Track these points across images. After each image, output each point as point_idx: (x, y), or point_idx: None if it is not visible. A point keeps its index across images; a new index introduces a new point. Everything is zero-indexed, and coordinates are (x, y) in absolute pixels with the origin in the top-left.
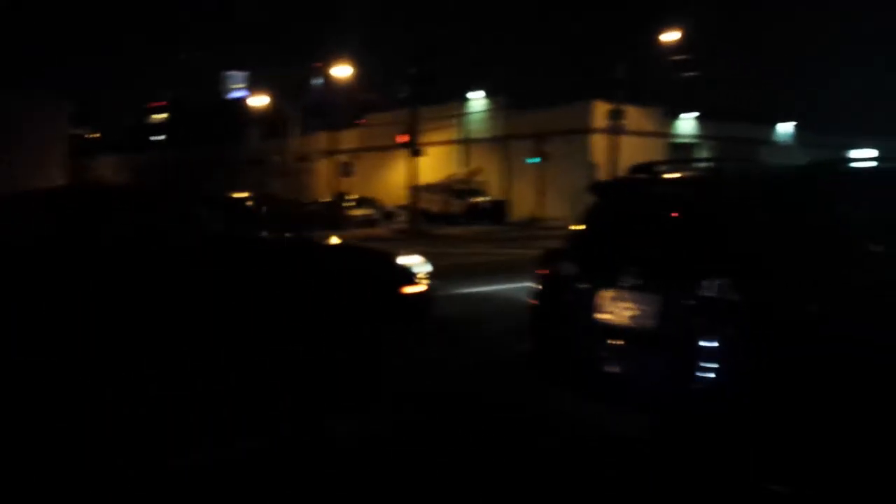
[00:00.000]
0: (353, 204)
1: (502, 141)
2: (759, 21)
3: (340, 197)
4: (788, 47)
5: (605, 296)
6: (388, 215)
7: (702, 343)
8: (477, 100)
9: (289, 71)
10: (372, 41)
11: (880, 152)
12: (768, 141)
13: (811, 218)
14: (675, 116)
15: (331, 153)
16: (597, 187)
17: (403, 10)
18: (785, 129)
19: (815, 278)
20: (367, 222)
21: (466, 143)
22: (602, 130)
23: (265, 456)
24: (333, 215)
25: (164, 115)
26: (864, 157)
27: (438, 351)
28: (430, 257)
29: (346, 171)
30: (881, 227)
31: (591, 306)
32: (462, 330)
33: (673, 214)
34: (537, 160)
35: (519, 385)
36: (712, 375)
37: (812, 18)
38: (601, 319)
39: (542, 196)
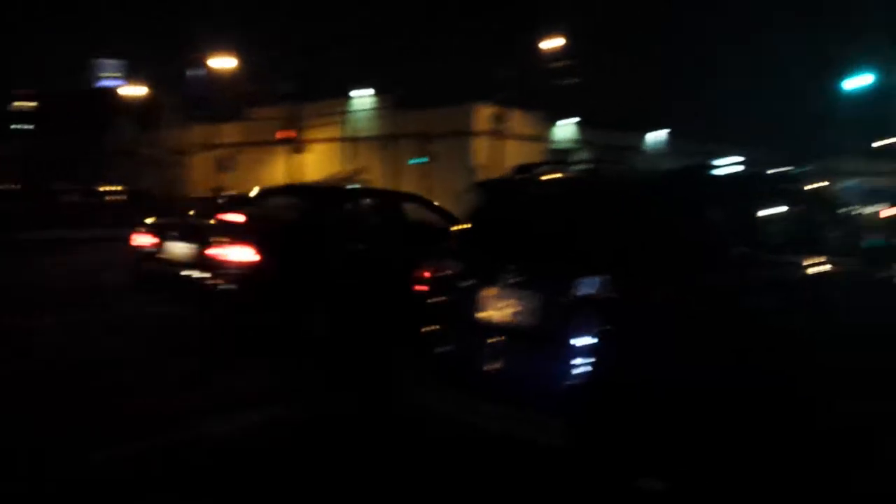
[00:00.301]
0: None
1: (388, 140)
2: (638, 31)
3: (217, 192)
4: (664, 57)
5: (489, 294)
6: None
7: (580, 339)
8: (364, 97)
9: (166, 60)
10: (256, 33)
11: (746, 159)
12: (644, 147)
13: (681, 218)
14: (555, 122)
15: (209, 147)
16: (480, 187)
17: (290, 2)
18: (659, 136)
19: (684, 275)
20: None
21: (352, 140)
22: (485, 133)
23: None
24: (208, 211)
25: (31, 104)
26: (730, 162)
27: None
28: None
29: (224, 165)
30: (744, 226)
31: (474, 305)
32: None
33: (555, 213)
34: (423, 160)
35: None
36: (591, 371)
37: (688, 31)
38: (485, 318)
39: (427, 196)
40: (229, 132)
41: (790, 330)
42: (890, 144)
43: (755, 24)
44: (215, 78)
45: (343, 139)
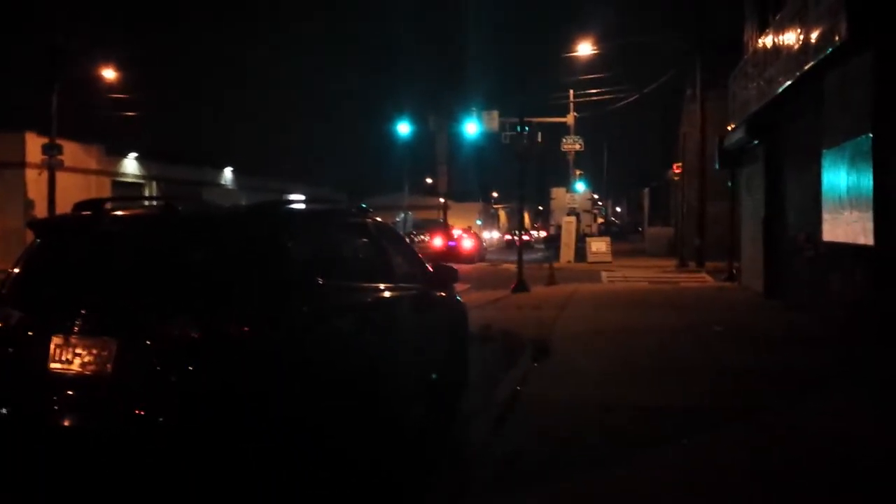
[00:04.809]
0: None
1: None
2: (198, 67)
3: None
4: (230, 94)
5: (57, 343)
6: None
7: (164, 384)
8: None
9: None
10: None
11: (311, 196)
12: (211, 183)
13: (264, 252)
14: (118, 155)
15: None
16: (38, 225)
17: None
18: (226, 172)
19: (270, 309)
20: None
21: None
22: (37, 165)
23: None
24: None
25: None
26: (297, 199)
27: None
28: None
29: None
30: (320, 258)
31: (39, 356)
32: None
33: (127, 252)
34: None
35: None
36: (178, 415)
37: (249, 70)
38: (52, 370)
39: None
40: None
41: (370, 350)
42: (434, 182)
43: (316, 68)
44: None
45: None
